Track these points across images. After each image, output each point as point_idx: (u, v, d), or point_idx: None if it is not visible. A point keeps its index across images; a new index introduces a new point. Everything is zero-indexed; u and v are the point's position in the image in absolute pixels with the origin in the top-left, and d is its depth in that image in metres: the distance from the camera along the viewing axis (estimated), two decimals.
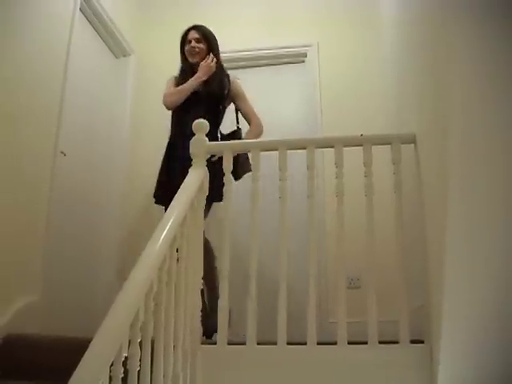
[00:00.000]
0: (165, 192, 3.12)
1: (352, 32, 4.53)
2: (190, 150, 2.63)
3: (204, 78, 3.40)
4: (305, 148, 2.64)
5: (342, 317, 2.40)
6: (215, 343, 2.47)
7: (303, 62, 4.60)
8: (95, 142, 4.04)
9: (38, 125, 3.13)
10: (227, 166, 2.63)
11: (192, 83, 3.39)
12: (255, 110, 3.58)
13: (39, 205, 3.08)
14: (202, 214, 2.55)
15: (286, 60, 4.66)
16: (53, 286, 3.13)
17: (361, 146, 2.61)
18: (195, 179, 2.45)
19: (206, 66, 3.42)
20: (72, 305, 3.36)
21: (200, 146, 2.63)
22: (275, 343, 2.42)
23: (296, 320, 2.54)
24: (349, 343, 2.36)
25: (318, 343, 2.40)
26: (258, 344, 2.43)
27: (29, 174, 2.97)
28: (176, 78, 3.56)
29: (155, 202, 3.37)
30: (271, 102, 4.52)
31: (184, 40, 3.56)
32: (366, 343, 2.36)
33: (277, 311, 2.44)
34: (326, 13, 4.64)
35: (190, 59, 3.51)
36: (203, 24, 3.64)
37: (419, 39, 2.63)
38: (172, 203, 2.20)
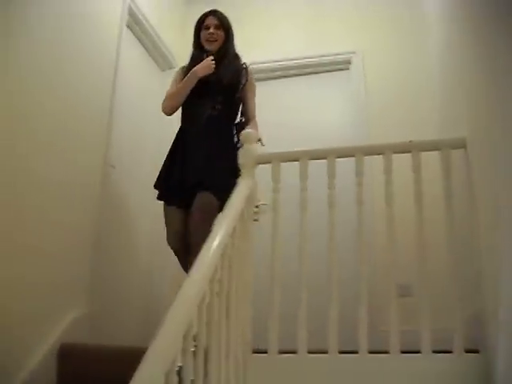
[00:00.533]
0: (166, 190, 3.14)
1: (397, 36, 4.50)
2: (239, 161, 2.65)
3: (200, 76, 3.14)
4: (353, 156, 2.63)
5: (393, 325, 2.37)
6: (266, 352, 2.48)
7: (348, 69, 4.58)
8: (143, 154, 4.11)
9: (88, 139, 3.21)
10: (276, 176, 2.65)
11: (188, 82, 3.15)
12: None
13: (89, 218, 3.15)
14: (251, 225, 2.56)
15: (330, 68, 4.66)
16: (100, 298, 3.20)
17: (410, 152, 2.58)
18: (244, 190, 2.47)
19: (208, 65, 3.16)
20: (119, 316, 3.42)
21: (249, 156, 2.65)
22: (326, 352, 2.41)
23: (347, 328, 2.53)
24: (401, 352, 2.33)
25: (370, 352, 2.37)
26: (309, 353, 2.43)
27: (79, 187, 3.05)
28: (184, 68, 3.36)
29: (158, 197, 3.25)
30: (316, 110, 4.54)
31: (200, 25, 3.32)
32: (418, 352, 2.33)
33: (328, 320, 2.43)
34: (370, 18, 4.62)
35: (207, 46, 3.28)
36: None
37: (468, 38, 2.57)
38: (222, 213, 2.22)
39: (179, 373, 1.65)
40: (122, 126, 3.67)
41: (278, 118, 4.52)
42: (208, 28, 3.27)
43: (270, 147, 2.90)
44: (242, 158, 2.65)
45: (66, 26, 3.01)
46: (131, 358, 2.32)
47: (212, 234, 2.05)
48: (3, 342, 2.36)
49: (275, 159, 2.67)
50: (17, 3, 2.60)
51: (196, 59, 3.25)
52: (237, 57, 3.35)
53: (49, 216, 2.75)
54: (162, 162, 4.22)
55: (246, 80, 3.34)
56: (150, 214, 4.04)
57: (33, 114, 2.68)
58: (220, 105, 3.13)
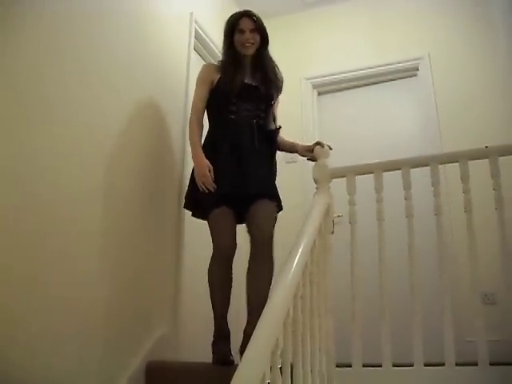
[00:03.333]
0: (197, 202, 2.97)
1: (463, 37, 4.39)
2: (313, 176, 2.68)
3: (198, 182, 2.84)
4: (428, 165, 2.61)
5: (481, 335, 2.32)
6: (350, 365, 2.48)
7: (415, 75, 4.52)
8: None
9: (166, 166, 3.32)
10: (351, 189, 2.66)
11: (193, 152, 2.93)
12: None
13: (169, 247, 3.25)
14: (330, 239, 2.58)
15: (397, 76, 4.61)
16: (184, 317, 3.28)
17: (486, 158, 2.54)
18: (322, 204, 2.49)
19: (204, 176, 2.81)
20: (201, 334, 3.48)
21: (323, 170, 2.67)
22: (412, 365, 2.39)
23: (432, 340, 2.50)
24: (490, 364, 2.28)
25: (457, 364, 2.34)
26: (394, 366, 2.41)
27: (159, 225, 3.17)
28: (214, 65, 3.20)
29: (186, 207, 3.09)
30: (385, 120, 4.51)
31: (233, 27, 3.04)
32: (508, 364, 2.26)
33: (411, 331, 2.41)
34: (434, 22, 4.53)
35: (243, 51, 3.02)
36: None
37: None
38: (301, 229, 2.25)
39: None
40: None
41: (346, 129, 4.53)
42: (243, 32, 3.00)
43: (341, 159, 2.90)
44: (317, 173, 2.68)
45: (139, 49, 3.12)
46: (217, 375, 2.38)
47: (293, 250, 2.07)
48: (95, 362, 2.47)
49: (350, 173, 2.69)
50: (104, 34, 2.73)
51: (229, 62, 3.03)
52: (271, 61, 3.12)
53: (135, 243, 2.88)
54: None
55: (281, 90, 3.17)
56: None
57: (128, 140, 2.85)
58: (263, 113, 3.01)
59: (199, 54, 4.16)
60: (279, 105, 3.22)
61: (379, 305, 2.48)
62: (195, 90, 3.07)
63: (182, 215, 3.36)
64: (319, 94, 4.85)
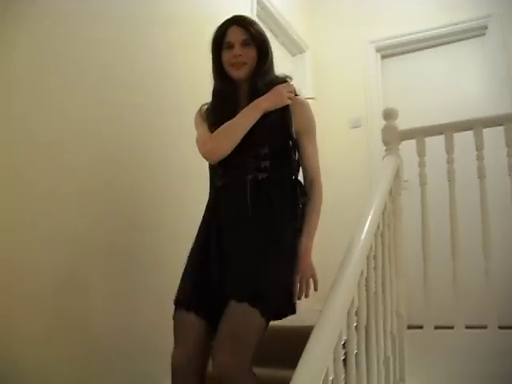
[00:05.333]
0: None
1: None
2: (383, 138, 2.65)
3: (267, 109, 1.95)
4: (501, 125, 2.54)
5: None
6: (421, 327, 2.48)
7: (484, 34, 4.35)
8: None
9: None
10: (421, 151, 2.63)
11: (247, 117, 1.94)
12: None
13: None
14: (401, 202, 2.56)
15: (464, 36, 4.43)
16: None
17: None
18: (391, 167, 2.48)
19: (280, 95, 1.99)
20: None
21: (392, 132, 2.64)
22: (485, 327, 2.37)
23: (507, 303, 2.47)
24: None
25: None
26: (467, 328, 2.39)
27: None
28: (206, 107, 2.12)
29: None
30: (451, 82, 4.38)
31: (220, 40, 2.06)
32: None
33: (485, 293, 2.39)
34: None
35: (234, 74, 2.03)
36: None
37: None
38: (372, 191, 2.25)
39: (344, 346, 1.72)
40: None
41: (412, 93, 4.43)
42: (231, 46, 2.03)
43: (408, 123, 2.85)
44: (387, 135, 2.65)
45: (202, 23, 3.14)
46: (295, 337, 2.42)
47: (364, 213, 2.08)
48: None
49: (419, 134, 2.65)
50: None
51: (221, 94, 2.08)
52: (277, 83, 2.04)
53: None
54: None
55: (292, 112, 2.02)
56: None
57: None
58: (267, 161, 1.93)
59: (262, 21, 4.14)
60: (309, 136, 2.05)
61: (451, 267, 2.46)
62: (197, 133, 2.08)
63: None
64: (383, 57, 4.75)
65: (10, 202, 1.92)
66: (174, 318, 1.86)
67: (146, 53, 2.67)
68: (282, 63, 4.37)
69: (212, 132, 1.96)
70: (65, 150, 2.16)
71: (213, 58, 2.10)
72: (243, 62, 2.01)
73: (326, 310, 1.64)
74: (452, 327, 2.41)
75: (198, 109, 2.13)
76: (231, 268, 1.83)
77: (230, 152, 1.92)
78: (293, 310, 1.89)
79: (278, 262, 1.83)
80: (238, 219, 1.90)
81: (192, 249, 1.97)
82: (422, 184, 2.61)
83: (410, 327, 2.47)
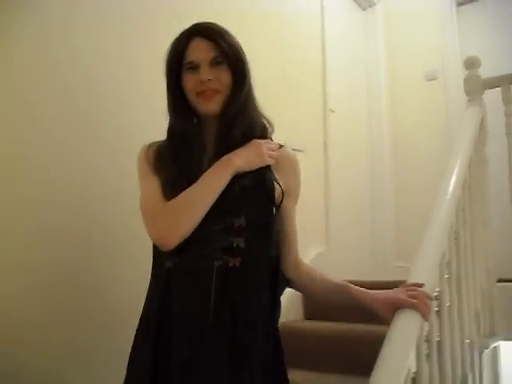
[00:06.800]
0: None
1: None
2: (465, 88, 2.57)
3: (246, 170, 1.41)
4: None
5: None
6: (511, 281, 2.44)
7: None
8: (356, 97, 4.16)
9: (308, 86, 3.34)
10: (506, 99, 2.53)
11: (221, 176, 1.39)
12: None
13: (318, 166, 3.33)
14: (486, 153, 2.49)
15: None
16: (337, 236, 3.39)
17: None
18: (476, 117, 2.41)
19: (261, 154, 1.45)
20: (354, 253, 3.58)
21: (475, 81, 2.55)
22: None
23: None
24: None
25: None
26: None
27: (304, 134, 3.21)
28: (156, 146, 1.50)
29: None
30: None
31: (178, 59, 1.48)
32: None
33: None
34: None
35: (203, 107, 1.46)
36: None
37: None
38: (455, 142, 2.20)
39: (437, 298, 1.72)
40: (335, 71, 3.72)
41: (490, 42, 4.26)
42: (196, 67, 1.45)
43: (488, 73, 2.73)
44: (469, 84, 2.56)
45: None
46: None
47: (449, 166, 2.04)
48: None
49: (505, 82, 2.55)
50: None
51: (183, 137, 1.48)
52: (258, 119, 1.53)
53: None
54: (373, 101, 4.31)
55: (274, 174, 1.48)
56: (373, 154, 4.11)
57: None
58: (241, 237, 1.36)
59: None
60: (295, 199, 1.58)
61: None
62: (141, 187, 1.47)
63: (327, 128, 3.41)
64: (458, 4, 4.55)
65: None
66: None
67: None
68: (351, 17, 4.32)
69: (167, 194, 1.38)
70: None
71: (168, 85, 1.51)
72: (215, 90, 1.45)
73: (418, 261, 1.63)
74: None
75: (143, 147, 1.52)
76: None
77: (188, 234, 1.33)
78: None
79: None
80: (196, 327, 1.31)
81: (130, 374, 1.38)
82: (509, 134, 2.52)
83: (499, 281, 2.43)
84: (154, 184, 1.42)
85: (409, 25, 4.51)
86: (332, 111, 3.51)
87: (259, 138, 1.49)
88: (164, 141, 1.52)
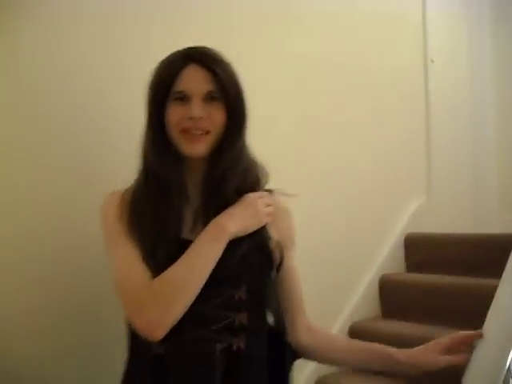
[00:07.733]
0: None
1: None
2: None
3: (242, 234, 1.19)
4: None
5: None
6: None
7: None
8: (457, 45, 3.97)
9: (408, 37, 3.27)
10: None
11: (215, 247, 1.14)
12: None
13: (419, 114, 3.26)
14: None
15: None
16: (438, 187, 3.34)
17: None
18: None
19: (261, 211, 1.22)
20: (456, 204, 3.50)
21: None
22: None
23: None
24: None
25: None
26: None
27: (404, 83, 3.15)
28: (133, 201, 1.22)
29: None
30: None
31: (166, 86, 1.21)
32: None
33: None
34: None
35: (187, 149, 1.20)
36: None
37: None
38: None
39: None
40: (437, 21, 3.58)
41: None
42: (186, 98, 1.20)
43: None
44: None
45: None
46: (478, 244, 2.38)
47: None
48: None
49: None
50: None
51: (163, 181, 1.21)
52: (253, 170, 1.29)
53: (380, 112, 2.92)
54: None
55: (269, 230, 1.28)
56: (467, 106, 3.96)
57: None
58: (244, 312, 1.17)
59: None
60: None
61: None
62: (112, 255, 1.21)
63: (427, 78, 3.33)
64: None
65: None
66: None
67: None
68: None
69: (148, 263, 1.14)
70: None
71: (150, 114, 1.25)
72: (205, 130, 1.20)
73: None
74: None
75: (113, 193, 1.26)
76: None
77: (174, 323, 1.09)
78: None
79: None
80: None
81: None
82: None
83: None
84: (132, 253, 1.15)
85: None
86: (432, 61, 3.40)
87: (250, 190, 1.25)
88: (137, 184, 1.25)
